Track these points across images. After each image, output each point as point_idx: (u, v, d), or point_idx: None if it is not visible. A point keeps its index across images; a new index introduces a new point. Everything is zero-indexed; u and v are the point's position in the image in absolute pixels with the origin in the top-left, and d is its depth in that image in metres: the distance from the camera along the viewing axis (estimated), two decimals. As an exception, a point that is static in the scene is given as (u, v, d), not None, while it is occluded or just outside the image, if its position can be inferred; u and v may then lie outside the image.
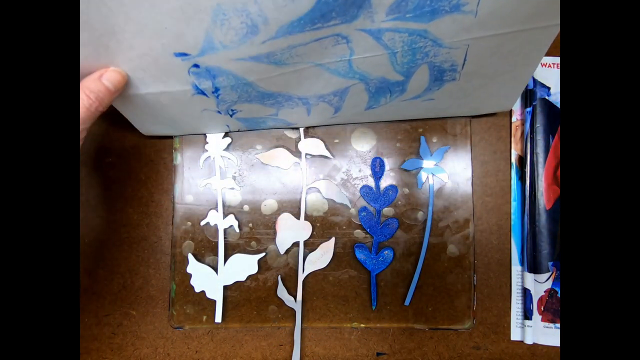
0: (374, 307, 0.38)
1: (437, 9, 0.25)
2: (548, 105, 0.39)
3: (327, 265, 0.38)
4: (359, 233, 0.39)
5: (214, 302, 0.38)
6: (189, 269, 0.38)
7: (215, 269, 0.38)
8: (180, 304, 0.38)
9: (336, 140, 0.39)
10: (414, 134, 0.39)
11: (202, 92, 0.30)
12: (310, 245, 0.39)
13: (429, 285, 0.39)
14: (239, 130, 0.39)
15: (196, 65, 0.28)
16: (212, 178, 0.39)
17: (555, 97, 0.39)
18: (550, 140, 0.39)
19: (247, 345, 0.39)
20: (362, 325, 0.39)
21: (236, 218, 0.39)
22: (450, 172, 0.39)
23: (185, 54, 0.27)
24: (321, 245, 0.39)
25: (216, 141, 0.39)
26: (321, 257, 0.38)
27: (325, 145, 0.39)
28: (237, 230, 0.39)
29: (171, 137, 0.39)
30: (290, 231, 0.39)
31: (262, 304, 0.38)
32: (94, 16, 0.25)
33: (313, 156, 0.39)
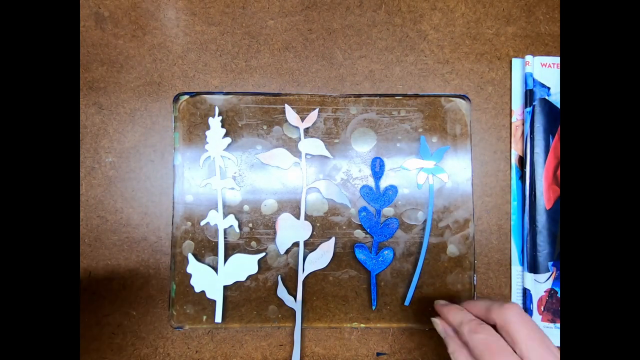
0: (374, 307, 0.39)
1: None
2: (548, 105, 0.39)
3: (327, 265, 0.38)
4: (359, 233, 0.39)
5: (214, 302, 0.38)
6: (189, 269, 0.38)
7: (215, 269, 0.38)
8: (180, 304, 0.38)
9: (336, 140, 0.39)
10: (414, 134, 0.39)
11: None
12: (310, 245, 0.39)
13: (429, 285, 0.39)
14: None
15: None
16: (212, 178, 0.39)
17: (555, 97, 0.39)
18: (550, 140, 0.39)
19: (247, 345, 0.39)
20: (362, 325, 0.39)
21: (236, 218, 0.39)
22: (450, 172, 0.39)
23: None
24: (321, 245, 0.39)
25: (216, 141, 0.39)
26: (321, 257, 0.38)
27: (325, 145, 0.39)
28: (237, 230, 0.39)
29: (171, 137, 0.39)
30: (290, 231, 0.39)
31: (262, 304, 0.38)
32: None
33: (313, 156, 0.39)
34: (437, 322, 0.32)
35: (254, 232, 0.39)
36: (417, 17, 0.41)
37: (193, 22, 0.40)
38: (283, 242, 0.39)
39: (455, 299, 0.38)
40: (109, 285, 0.39)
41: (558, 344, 0.38)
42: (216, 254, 0.38)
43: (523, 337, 0.26)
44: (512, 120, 0.40)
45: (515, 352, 0.26)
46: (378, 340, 0.39)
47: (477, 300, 0.31)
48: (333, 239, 0.39)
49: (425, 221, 0.39)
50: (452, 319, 0.30)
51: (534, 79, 0.39)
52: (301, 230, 0.39)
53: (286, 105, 0.39)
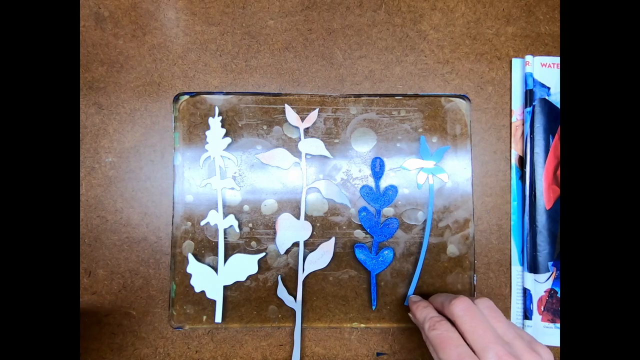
0: (374, 307, 0.39)
1: None
2: (548, 105, 0.39)
3: (327, 265, 0.38)
4: (359, 233, 0.39)
5: (214, 302, 0.38)
6: (189, 269, 0.38)
7: (215, 269, 0.38)
8: (180, 304, 0.38)
9: (336, 140, 0.39)
10: (414, 134, 0.39)
11: None
12: (310, 245, 0.39)
13: (429, 285, 0.39)
14: None
15: None
16: (212, 178, 0.39)
17: (555, 97, 0.39)
18: (550, 140, 0.39)
19: (247, 345, 0.39)
20: (362, 325, 0.39)
21: (236, 218, 0.39)
22: (450, 172, 0.39)
23: None
24: (321, 245, 0.39)
25: (216, 141, 0.39)
26: (321, 257, 0.38)
27: (325, 145, 0.39)
28: (237, 230, 0.39)
29: (171, 137, 0.39)
30: (290, 231, 0.39)
31: (262, 304, 0.38)
32: None
33: (313, 156, 0.39)
34: (411, 316, 0.35)
35: (254, 232, 0.39)
36: (417, 17, 0.41)
37: (193, 22, 0.40)
38: (283, 242, 0.39)
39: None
40: (109, 285, 0.39)
41: (558, 343, 0.38)
42: (216, 254, 0.38)
43: (467, 328, 0.28)
44: (512, 120, 0.40)
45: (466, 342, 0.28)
46: (378, 340, 0.39)
47: (438, 295, 0.34)
48: (333, 239, 0.39)
49: (425, 221, 0.39)
50: (418, 317, 0.33)
51: (534, 79, 0.39)
52: (301, 230, 0.39)
53: (286, 105, 0.39)
